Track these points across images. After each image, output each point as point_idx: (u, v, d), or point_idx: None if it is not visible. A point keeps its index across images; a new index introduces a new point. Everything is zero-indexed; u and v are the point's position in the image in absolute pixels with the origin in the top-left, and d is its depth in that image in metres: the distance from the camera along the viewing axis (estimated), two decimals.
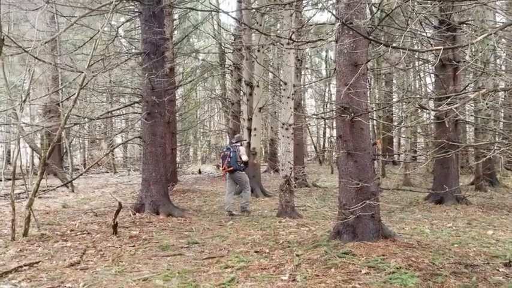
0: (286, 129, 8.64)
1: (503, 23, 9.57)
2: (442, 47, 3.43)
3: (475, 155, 14.96)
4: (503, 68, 12.97)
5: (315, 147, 30.66)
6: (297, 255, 5.72)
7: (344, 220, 6.04)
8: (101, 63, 9.15)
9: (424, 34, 9.71)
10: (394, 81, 20.86)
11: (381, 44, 3.76)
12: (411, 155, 14.19)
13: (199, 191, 13.64)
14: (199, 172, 22.13)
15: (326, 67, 29.43)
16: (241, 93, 14.86)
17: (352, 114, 6.08)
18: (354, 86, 6.09)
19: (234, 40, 17.40)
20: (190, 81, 16.41)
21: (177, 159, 26.27)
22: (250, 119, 12.85)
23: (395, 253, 5.56)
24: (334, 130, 30.82)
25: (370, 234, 6.06)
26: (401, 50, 3.96)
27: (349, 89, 6.07)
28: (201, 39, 24.43)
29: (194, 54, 19.40)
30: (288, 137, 8.65)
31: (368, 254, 5.54)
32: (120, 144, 17.78)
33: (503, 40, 10.56)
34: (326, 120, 31.39)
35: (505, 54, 14.62)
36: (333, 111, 6.37)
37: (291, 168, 8.66)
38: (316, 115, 13.70)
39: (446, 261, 5.45)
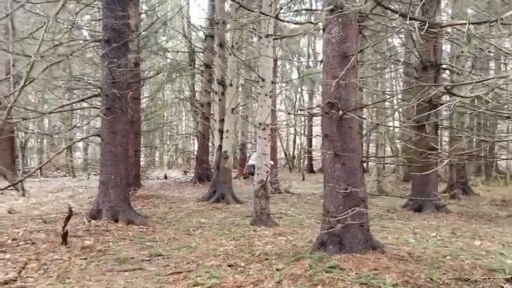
0: (263, 129, 7.90)
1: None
2: (467, 22, 2.80)
3: (449, 163, 14.66)
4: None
5: (285, 154, 30.09)
6: (277, 270, 4.98)
7: (330, 229, 5.34)
8: (56, 52, 8.16)
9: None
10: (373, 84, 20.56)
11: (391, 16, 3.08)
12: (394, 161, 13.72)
13: (164, 197, 12.67)
14: (165, 177, 21.05)
15: (298, 74, 28.93)
16: (213, 94, 14.03)
17: (341, 112, 5.41)
18: (342, 79, 5.44)
19: (205, 38, 16.60)
20: (157, 74, 15.41)
21: (142, 162, 25.15)
22: (222, 120, 12.04)
23: (388, 267, 4.90)
24: (304, 138, 30.13)
25: (359, 245, 5.40)
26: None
27: (338, 82, 5.42)
28: (169, 40, 23.48)
29: (162, 53, 18.44)
30: (264, 138, 7.92)
31: (358, 268, 4.86)
32: (74, 143, 16.43)
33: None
34: (296, 128, 31.02)
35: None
36: (319, 106, 5.69)
37: (267, 172, 7.92)
38: (302, 110, 12.99)
39: (443, 276, 4.84)
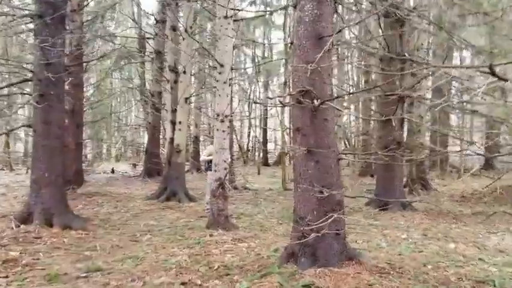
0: (222, 121, 7.00)
1: None
2: None
3: (408, 158, 14.41)
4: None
5: (240, 147, 29.29)
6: None
7: (303, 239, 4.56)
8: None
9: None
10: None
11: None
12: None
13: (110, 194, 11.49)
14: (112, 171, 19.67)
15: (253, 67, 28.13)
16: (165, 82, 12.90)
17: (316, 101, 4.64)
18: (317, 64, 4.66)
19: (156, 23, 15.40)
20: (101, 57, 14.05)
21: (89, 155, 23.46)
22: (174, 111, 11.01)
23: (371, 284, 4.23)
24: (258, 129, 29.35)
25: (335, 257, 4.68)
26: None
27: (312, 67, 4.65)
28: (118, 26, 21.94)
29: (109, 37, 16.99)
30: (223, 131, 7.02)
31: (337, 286, 4.16)
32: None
33: None
34: (251, 120, 30.27)
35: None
36: (290, 95, 4.89)
37: (226, 168, 7.05)
38: (271, 98, 12.17)
39: None
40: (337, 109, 5.20)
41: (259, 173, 20.77)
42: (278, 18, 27.44)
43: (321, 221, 4.41)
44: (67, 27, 7.91)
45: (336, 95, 5.96)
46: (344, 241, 4.86)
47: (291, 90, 5.11)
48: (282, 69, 26.98)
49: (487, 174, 20.22)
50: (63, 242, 6.27)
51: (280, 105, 5.13)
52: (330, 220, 4.38)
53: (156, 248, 6.06)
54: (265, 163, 27.25)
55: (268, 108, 26.88)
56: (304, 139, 4.77)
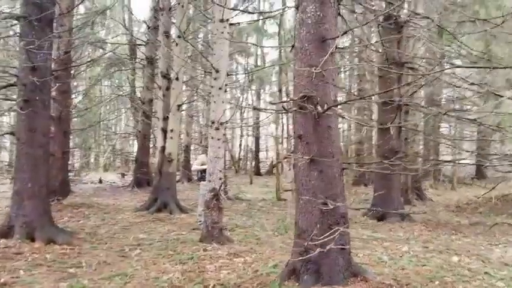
0: (217, 129, 6.67)
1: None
2: None
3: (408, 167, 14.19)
4: None
5: (231, 156, 28.94)
6: None
7: (305, 255, 4.24)
8: None
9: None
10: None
11: None
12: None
13: (97, 206, 11.05)
14: (100, 181, 19.15)
15: (246, 74, 27.92)
16: (157, 89, 12.54)
17: (320, 108, 4.35)
18: (321, 68, 4.39)
19: (148, 29, 15.10)
20: (89, 61, 13.62)
21: (76, 165, 22.89)
22: (166, 119, 10.65)
23: None
24: (250, 138, 29.07)
25: (340, 273, 4.37)
26: None
27: (315, 71, 4.37)
28: (109, 33, 21.59)
29: (99, 44, 16.62)
30: (218, 139, 6.70)
31: None
32: None
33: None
34: (243, 129, 30.02)
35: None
36: (292, 100, 4.59)
37: (220, 179, 6.71)
38: (273, 103, 11.84)
39: None
40: (342, 116, 4.91)
41: (251, 183, 20.41)
42: (270, 27, 27.35)
43: (325, 235, 4.10)
44: (55, 31, 7.55)
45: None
46: (349, 256, 4.55)
47: (291, 95, 4.82)
48: (275, 78, 26.85)
49: (479, 184, 20.15)
50: (45, 258, 5.85)
51: (284, 111, 4.84)
52: (336, 234, 4.07)
53: (146, 264, 5.69)
54: (257, 172, 26.89)
55: (262, 116, 26.66)
56: (307, 147, 4.48)
